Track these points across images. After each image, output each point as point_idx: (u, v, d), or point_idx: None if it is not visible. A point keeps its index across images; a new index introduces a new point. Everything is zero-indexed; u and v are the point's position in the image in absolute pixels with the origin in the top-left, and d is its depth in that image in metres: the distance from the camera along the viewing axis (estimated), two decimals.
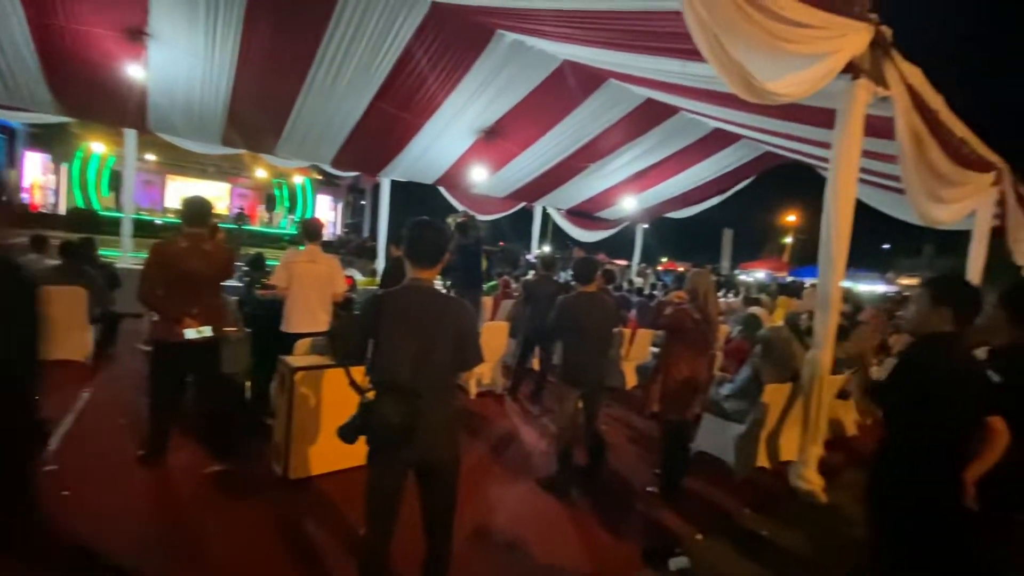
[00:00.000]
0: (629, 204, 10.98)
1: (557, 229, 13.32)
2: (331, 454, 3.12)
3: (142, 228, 12.27)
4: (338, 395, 2.99)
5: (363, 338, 1.87)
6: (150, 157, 16.36)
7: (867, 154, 4.80)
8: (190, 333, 2.95)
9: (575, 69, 6.28)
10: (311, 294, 3.70)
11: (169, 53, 5.76)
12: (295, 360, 3.21)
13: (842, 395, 4.62)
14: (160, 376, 3.05)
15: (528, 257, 13.18)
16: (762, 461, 3.87)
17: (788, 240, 29.27)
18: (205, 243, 3.06)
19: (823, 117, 3.85)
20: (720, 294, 9.62)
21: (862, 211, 7.37)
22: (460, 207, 10.38)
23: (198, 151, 8.35)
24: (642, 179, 10.23)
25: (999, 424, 1.85)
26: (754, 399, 3.63)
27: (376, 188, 10.02)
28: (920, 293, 2.00)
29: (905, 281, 23.86)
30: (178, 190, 17.45)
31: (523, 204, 11.37)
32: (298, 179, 20.19)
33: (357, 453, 1.91)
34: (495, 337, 5.22)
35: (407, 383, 1.79)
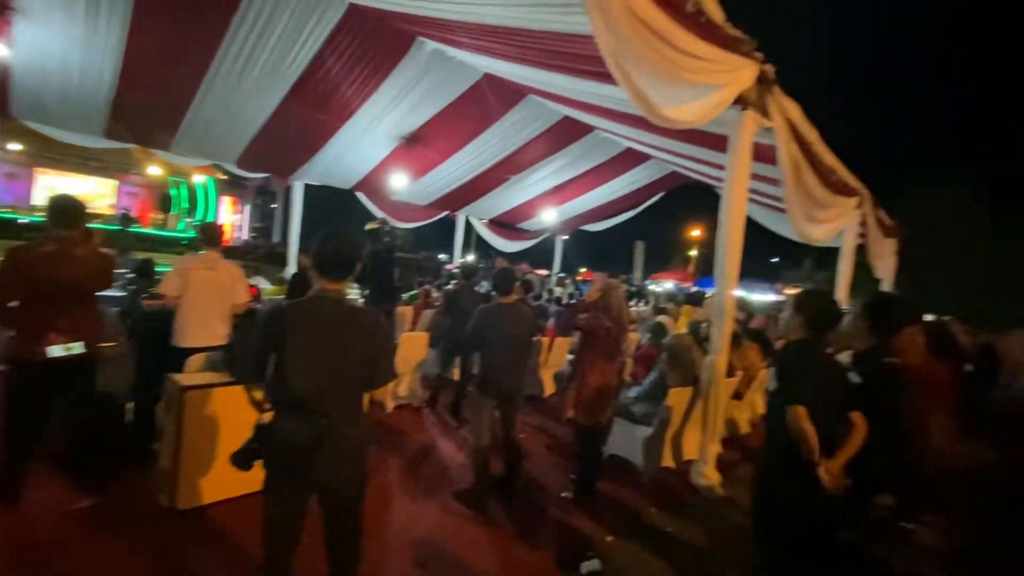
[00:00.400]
0: (549, 216, 11.31)
1: (481, 239, 13.40)
2: (226, 480, 2.86)
3: (3, 227, 10.66)
4: (234, 415, 2.76)
5: (264, 353, 1.74)
6: (15, 147, 14.27)
7: (756, 177, 5.34)
8: (55, 350, 2.59)
9: (496, 82, 6.39)
10: (208, 304, 3.39)
11: (41, 30, 5.07)
12: (185, 378, 2.92)
13: (736, 396, 5.04)
14: (17, 401, 2.63)
15: (449, 267, 13.10)
16: (668, 461, 4.11)
17: (693, 253, 31.62)
18: (76, 248, 2.70)
19: (718, 142, 4.22)
20: (632, 303, 10.15)
21: (754, 228, 8.24)
22: (380, 214, 10.11)
23: (76, 143, 7.40)
24: (561, 192, 10.59)
25: (859, 419, 2.12)
26: (660, 403, 3.86)
27: (288, 191, 9.45)
28: (788, 304, 2.25)
29: (789, 291, 26.79)
30: (50, 185, 15.35)
31: (446, 213, 11.31)
32: (199, 178, 18.57)
33: (256, 478, 1.77)
34: (415, 348, 5.12)
35: (312, 401, 1.70)
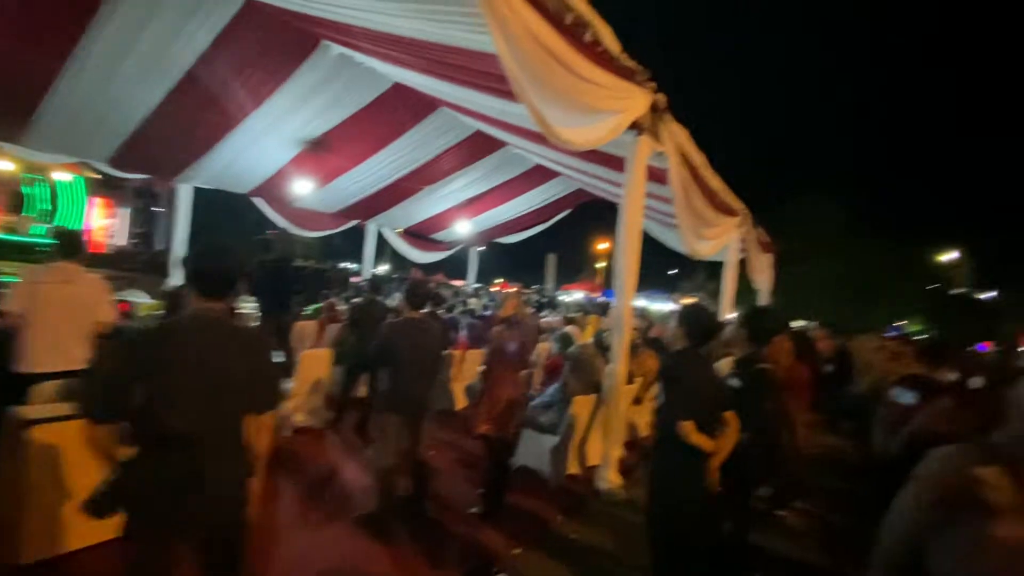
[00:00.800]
0: (463, 228, 11.32)
1: (396, 249, 13.09)
2: (81, 527, 2.49)
3: None
4: (89, 452, 2.41)
5: (126, 380, 1.54)
6: None
7: (653, 196, 5.77)
8: None
9: (408, 92, 6.31)
10: (61, 324, 2.95)
11: None
12: (30, 410, 2.52)
13: (636, 401, 5.35)
14: None
15: (356, 279, 12.62)
16: (573, 468, 4.25)
17: (601, 265, 33.30)
18: None
19: (617, 163, 4.50)
20: (544, 314, 10.44)
21: (653, 242, 8.92)
22: (281, 221, 9.50)
23: None
24: (475, 204, 10.67)
25: (731, 419, 2.34)
26: (565, 411, 3.99)
27: (173, 194, 8.58)
28: (674, 316, 2.46)
29: (685, 300, 29.19)
30: None
31: (356, 222, 10.91)
32: (62, 176, 16.22)
33: (117, 522, 1.56)
34: (318, 366, 4.84)
35: (185, 434, 1.53)
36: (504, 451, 3.43)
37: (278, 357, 5.33)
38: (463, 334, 6.28)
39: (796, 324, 16.02)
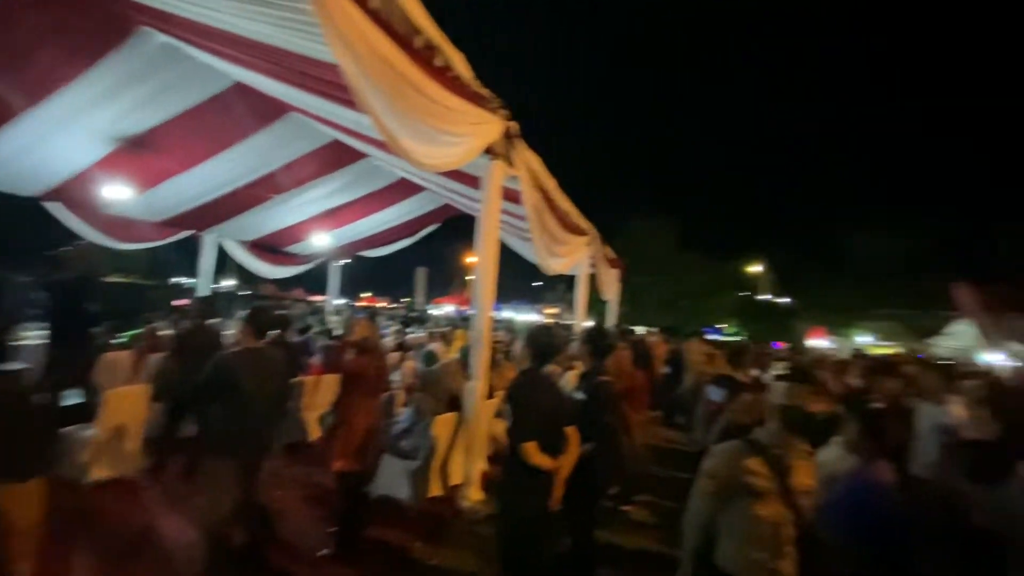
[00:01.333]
0: (322, 240, 10.62)
1: (242, 263, 11.75)
2: None
3: None
4: None
5: None
6: None
7: (512, 214, 6.03)
8: None
9: (253, 93, 5.76)
10: None
11: None
12: None
13: (499, 414, 5.49)
14: None
15: (181, 302, 11.04)
16: (436, 490, 4.19)
17: (472, 278, 33.79)
18: None
19: (476, 181, 4.62)
20: (411, 330, 10.22)
21: (519, 256, 9.33)
22: (90, 232, 7.94)
23: None
24: (335, 216, 10.08)
25: (572, 433, 2.52)
26: (425, 433, 3.93)
27: None
28: (521, 336, 2.59)
29: (548, 310, 31.00)
30: None
31: (190, 232, 9.59)
32: None
33: None
34: (130, 405, 4.10)
35: None
36: (360, 483, 3.25)
37: (74, 397, 4.40)
38: (317, 358, 5.85)
39: (639, 330, 18.09)
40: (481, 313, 4.10)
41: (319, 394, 5.47)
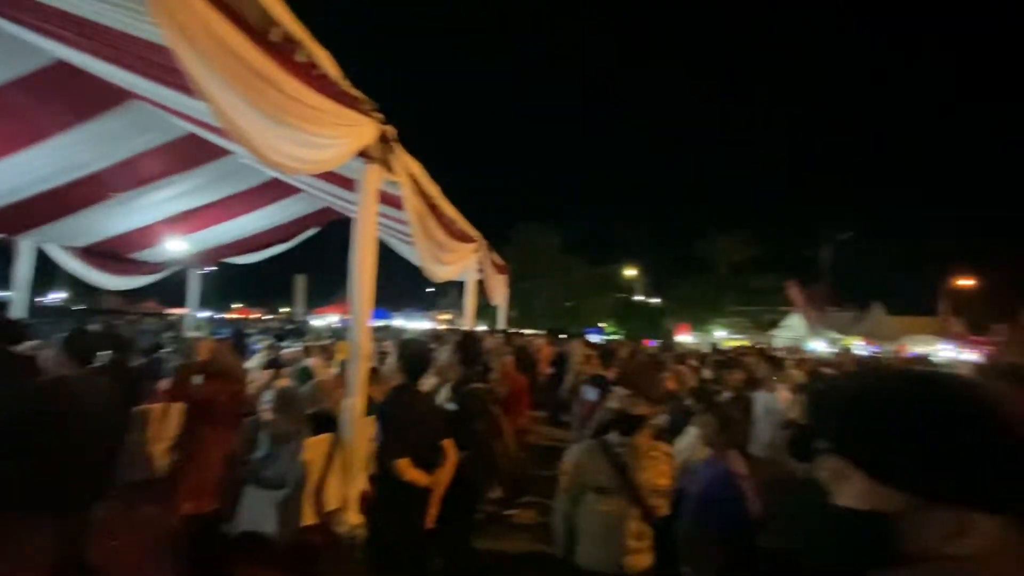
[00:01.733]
0: (177, 246, 9.43)
1: (74, 273, 9.93)
2: None
3: None
4: None
5: None
6: None
7: (396, 219, 5.86)
8: None
9: (81, 74, 4.90)
10: None
11: None
12: None
13: None
14: None
15: None
16: (309, 518, 3.88)
17: None
18: None
19: (351, 184, 4.40)
20: (286, 344, 9.45)
21: (411, 262, 9.09)
22: None
23: None
24: (193, 219, 8.99)
25: (449, 447, 2.50)
26: (294, 458, 3.62)
27: None
28: (391, 350, 2.50)
29: (441, 316, 30.73)
30: None
31: None
32: None
33: None
34: None
35: None
36: (213, 526, 2.89)
37: None
38: (166, 382, 5.12)
39: (528, 333, 18.76)
40: (358, 323, 3.90)
41: (168, 424, 4.77)
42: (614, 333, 30.18)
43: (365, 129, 3.62)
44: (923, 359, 13.72)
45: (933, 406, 0.73)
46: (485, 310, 11.44)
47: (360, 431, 3.93)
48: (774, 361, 4.91)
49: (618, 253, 39.02)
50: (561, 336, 14.31)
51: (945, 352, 19.85)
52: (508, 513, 4.43)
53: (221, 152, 7.06)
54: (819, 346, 21.60)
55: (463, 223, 6.81)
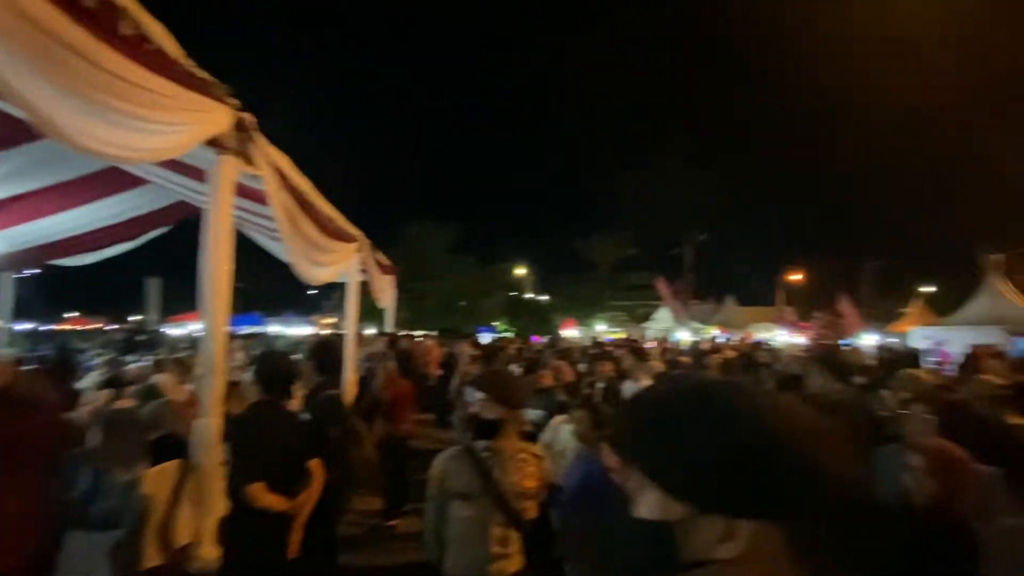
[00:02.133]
0: None
1: None
2: None
3: None
4: None
5: None
6: None
7: (266, 216, 5.36)
8: None
9: None
10: None
11: None
12: None
13: None
14: None
15: None
16: (154, 560, 3.38)
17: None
18: None
19: (204, 175, 3.93)
20: (132, 358, 8.23)
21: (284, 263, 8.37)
22: None
23: None
24: (4, 213, 7.40)
25: (315, 467, 2.32)
26: (129, 493, 3.13)
27: None
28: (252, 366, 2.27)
29: (325, 320, 28.88)
30: None
31: None
32: None
33: None
34: None
35: None
36: None
37: None
38: None
39: (419, 334, 18.40)
40: (213, 332, 3.49)
41: None
42: (506, 331, 30.84)
43: (216, 116, 3.25)
44: (760, 344, 15.99)
45: (699, 418, 0.80)
46: (375, 312, 11.01)
47: (216, 455, 3.53)
48: (639, 353, 5.36)
49: (508, 252, 40.00)
50: (452, 336, 14.26)
51: (781, 337, 23.29)
52: (390, 524, 4.26)
53: (37, 132, 5.90)
54: (683, 335, 24.10)
55: (342, 221, 6.45)
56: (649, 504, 0.80)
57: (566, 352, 9.21)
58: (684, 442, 0.78)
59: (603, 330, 30.85)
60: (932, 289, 31.36)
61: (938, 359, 13.16)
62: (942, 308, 22.58)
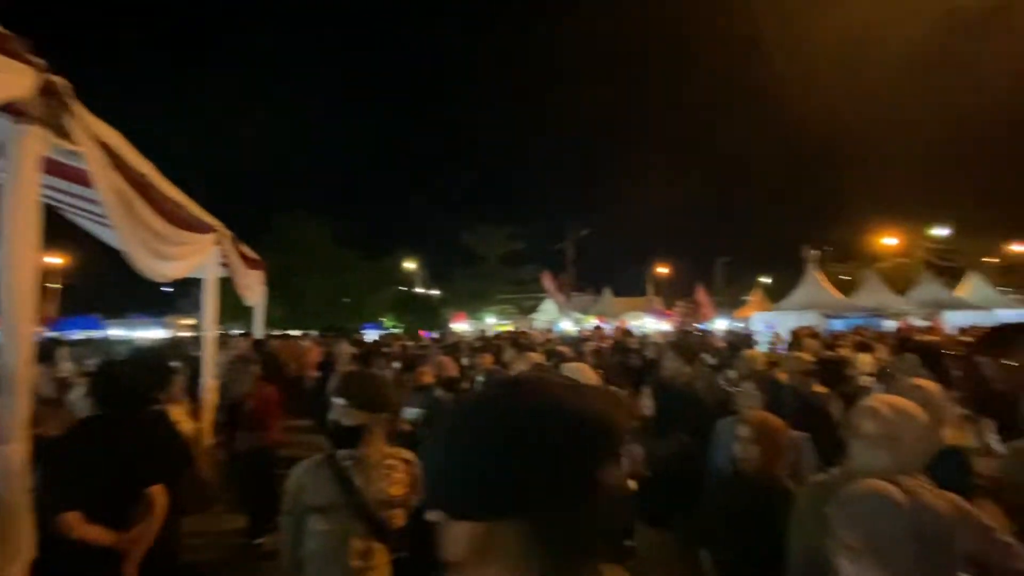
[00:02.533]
0: None
1: None
2: None
3: None
4: None
5: None
6: None
7: (88, 199, 4.56)
8: None
9: None
10: None
11: None
12: None
13: None
14: None
15: None
16: None
17: (54, 286, 24.58)
18: None
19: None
20: None
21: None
22: None
23: None
24: None
25: (157, 493, 1.98)
26: None
27: None
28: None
29: (184, 321, 25.52)
30: None
31: None
32: None
33: None
34: None
35: None
36: None
37: None
38: None
39: (296, 334, 17.04)
40: (15, 342, 2.89)
41: None
42: (394, 327, 29.88)
43: (13, 78, 2.66)
44: (630, 332, 17.56)
45: (460, 427, 0.79)
46: (245, 311, 9.96)
47: (22, 488, 2.92)
48: (519, 345, 5.54)
49: (396, 245, 38.77)
50: (335, 334, 13.44)
51: (650, 324, 25.66)
52: (257, 542, 3.89)
53: None
54: (566, 325, 25.43)
55: (195, 208, 5.71)
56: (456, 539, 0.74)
57: (454, 347, 9.17)
58: (444, 451, 0.76)
59: (492, 323, 31.34)
60: (768, 280, 36.71)
61: (771, 340, 15.44)
62: (776, 296, 26.68)
